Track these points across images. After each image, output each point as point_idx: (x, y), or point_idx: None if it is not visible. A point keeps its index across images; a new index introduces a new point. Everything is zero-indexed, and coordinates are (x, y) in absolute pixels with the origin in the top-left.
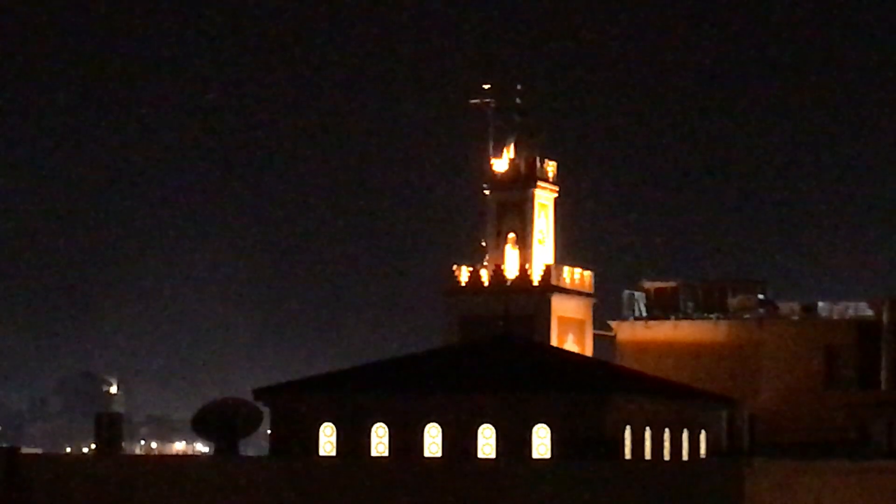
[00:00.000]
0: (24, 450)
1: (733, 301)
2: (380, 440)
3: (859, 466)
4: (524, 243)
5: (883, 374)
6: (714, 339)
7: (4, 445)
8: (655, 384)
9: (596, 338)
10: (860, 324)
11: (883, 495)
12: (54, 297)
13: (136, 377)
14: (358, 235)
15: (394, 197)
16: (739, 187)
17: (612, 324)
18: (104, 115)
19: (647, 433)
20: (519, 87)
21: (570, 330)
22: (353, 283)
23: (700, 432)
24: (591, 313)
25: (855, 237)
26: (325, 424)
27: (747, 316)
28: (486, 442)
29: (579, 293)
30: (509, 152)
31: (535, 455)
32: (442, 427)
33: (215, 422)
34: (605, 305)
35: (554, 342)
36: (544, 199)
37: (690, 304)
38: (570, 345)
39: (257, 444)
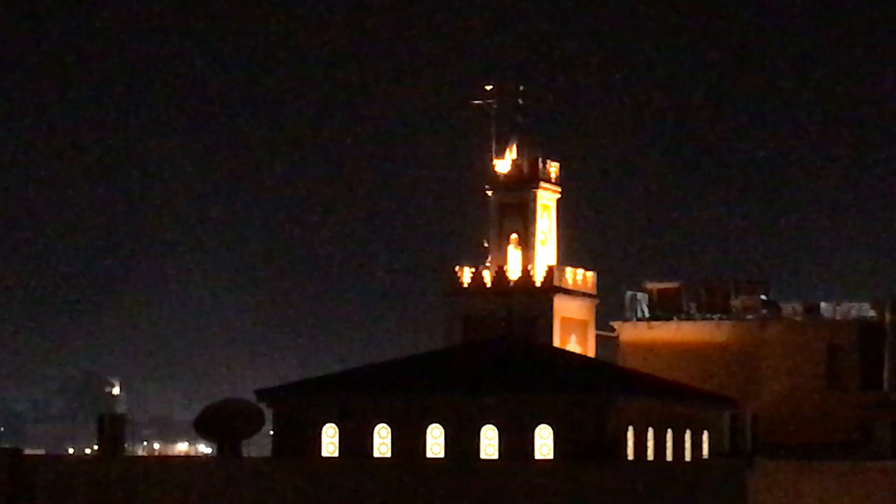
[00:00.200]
0: (27, 451)
1: (736, 302)
2: (382, 441)
3: (862, 467)
4: (527, 244)
5: (885, 375)
6: (717, 340)
7: (7, 446)
8: (658, 385)
9: (598, 339)
10: (863, 324)
11: (885, 496)
12: (57, 298)
13: (139, 378)
14: (360, 236)
15: (396, 197)
16: (742, 188)
17: (615, 325)
18: (105, 116)
19: (650, 434)
20: (521, 87)
21: (572, 331)
22: (355, 284)
23: (703, 433)
24: (593, 314)
25: (857, 238)
26: (328, 425)
27: (750, 316)
28: (489, 443)
29: (582, 294)
30: (512, 153)
31: (537, 456)
32: (444, 428)
33: (218, 423)
34: (608, 306)
35: (556, 343)
36: (547, 199)
37: (693, 305)
38: (573, 346)
39: (260, 445)
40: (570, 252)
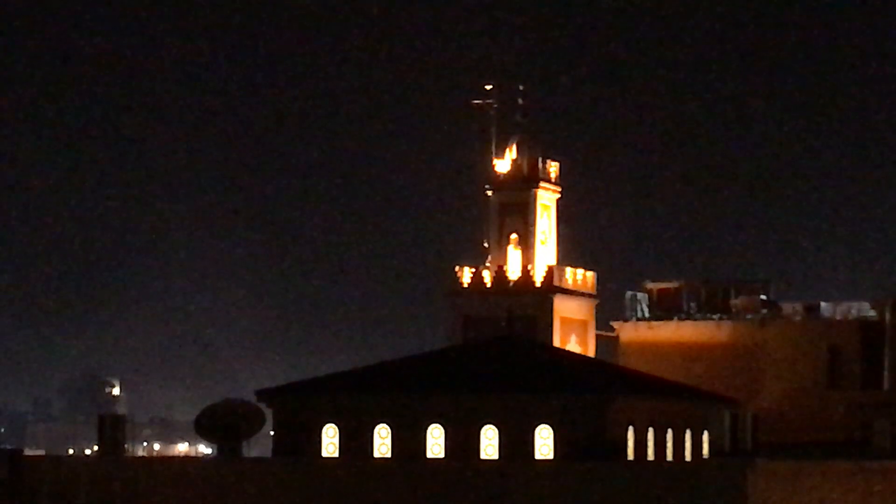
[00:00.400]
0: (28, 451)
1: (736, 302)
2: (382, 441)
3: (862, 466)
4: (526, 244)
5: (886, 375)
6: (717, 340)
7: (7, 447)
8: (658, 385)
9: (598, 338)
10: (863, 324)
11: (885, 495)
12: (57, 299)
13: (139, 379)
14: (360, 237)
15: (396, 198)
16: (742, 188)
17: (615, 324)
18: (105, 117)
19: (650, 433)
20: (521, 87)
21: (572, 331)
22: (355, 285)
23: (703, 433)
24: (593, 314)
25: (857, 238)
26: (328, 425)
27: (750, 316)
28: (489, 442)
29: (582, 294)
30: (511, 153)
31: (537, 455)
32: (445, 428)
33: (218, 423)
34: (608, 306)
35: (556, 343)
36: (546, 199)
37: (693, 305)
38: (573, 345)
39: (260, 445)
40: (569, 252)
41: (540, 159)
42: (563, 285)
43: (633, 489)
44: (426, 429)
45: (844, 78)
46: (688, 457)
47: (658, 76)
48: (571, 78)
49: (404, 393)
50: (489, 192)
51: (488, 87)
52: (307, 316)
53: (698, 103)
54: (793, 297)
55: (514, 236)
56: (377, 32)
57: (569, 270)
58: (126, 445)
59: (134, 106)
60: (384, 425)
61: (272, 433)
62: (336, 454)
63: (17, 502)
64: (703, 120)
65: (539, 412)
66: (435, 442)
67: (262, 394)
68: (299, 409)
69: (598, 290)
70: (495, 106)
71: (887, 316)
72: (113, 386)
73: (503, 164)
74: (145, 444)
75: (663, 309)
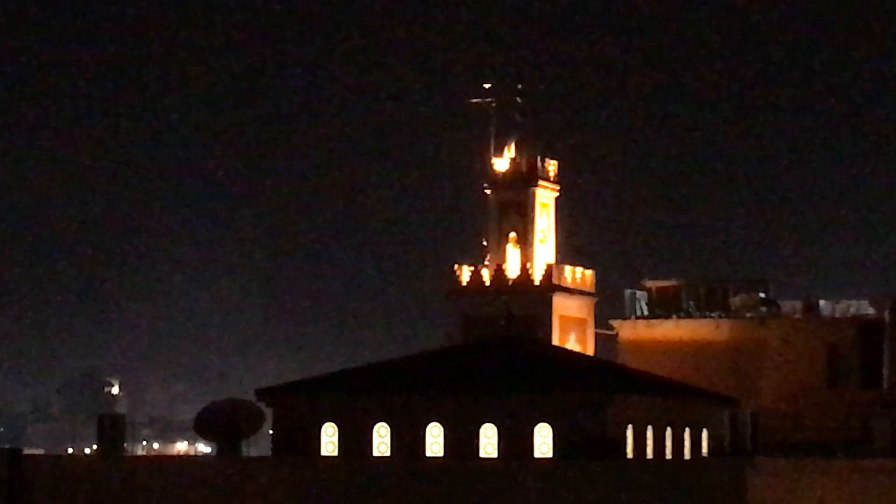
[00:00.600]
0: (27, 451)
1: (735, 300)
2: (382, 440)
3: (861, 465)
4: (525, 242)
5: (885, 373)
6: (716, 339)
7: (7, 446)
8: (657, 383)
9: (598, 337)
10: (862, 323)
11: (885, 494)
12: (57, 299)
13: (139, 378)
14: (359, 236)
15: (395, 197)
16: (741, 186)
17: (614, 323)
18: (105, 116)
19: (649, 432)
20: (520, 86)
21: (571, 329)
22: (354, 284)
23: (702, 431)
24: (592, 312)
25: (857, 236)
26: (327, 425)
27: (749, 315)
28: (489, 441)
29: (581, 292)
30: (510, 151)
31: (537, 454)
32: (444, 427)
33: (218, 422)
34: (607, 305)
35: (556, 341)
36: (545, 198)
37: (692, 304)
38: (572, 344)
39: (260, 445)
40: (568, 250)
41: (539, 158)
42: (562, 284)
43: (632, 488)
44: (425, 428)
45: (844, 77)
46: (687, 455)
47: (657, 75)
48: (570, 77)
49: (403, 392)
50: (488, 191)
51: (487, 86)
52: (306, 315)
53: (697, 102)
54: (792, 295)
55: (512, 235)
56: (377, 32)
57: (568, 269)
58: (125, 445)
59: (134, 105)
60: (383, 424)
61: (272, 433)
62: (335, 453)
63: (17, 502)
64: (703, 119)
65: (538, 411)
66: (434, 441)
67: (262, 393)
68: (299, 408)
69: (597, 288)
70: (494, 105)
71: (887, 314)
72: (113, 385)
73: (502, 163)
74: (145, 443)
75: (662, 307)
